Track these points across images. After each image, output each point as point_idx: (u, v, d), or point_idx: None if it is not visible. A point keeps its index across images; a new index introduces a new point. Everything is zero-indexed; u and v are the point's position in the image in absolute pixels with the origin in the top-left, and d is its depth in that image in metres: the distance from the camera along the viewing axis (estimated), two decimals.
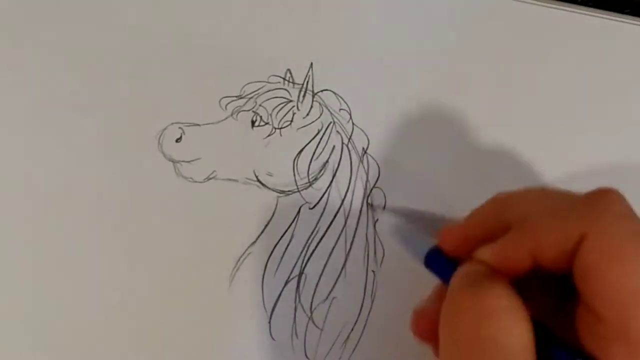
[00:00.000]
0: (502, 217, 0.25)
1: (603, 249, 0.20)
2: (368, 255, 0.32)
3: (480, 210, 0.26)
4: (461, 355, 0.21)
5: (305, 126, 0.33)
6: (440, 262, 0.27)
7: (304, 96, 0.34)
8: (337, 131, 0.34)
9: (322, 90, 0.34)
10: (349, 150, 0.33)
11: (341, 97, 0.34)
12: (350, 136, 0.33)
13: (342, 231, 0.32)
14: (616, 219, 0.21)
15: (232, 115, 0.33)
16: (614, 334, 0.20)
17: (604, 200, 0.22)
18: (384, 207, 0.32)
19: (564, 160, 0.33)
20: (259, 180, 0.33)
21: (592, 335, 0.21)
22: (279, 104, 0.34)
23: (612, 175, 0.33)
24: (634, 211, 0.22)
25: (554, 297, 0.25)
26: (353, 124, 0.34)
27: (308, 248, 0.32)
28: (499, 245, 0.24)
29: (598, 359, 0.20)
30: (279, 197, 0.33)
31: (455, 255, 0.26)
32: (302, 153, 0.33)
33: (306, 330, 0.31)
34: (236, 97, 0.34)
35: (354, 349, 0.31)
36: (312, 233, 0.32)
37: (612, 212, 0.21)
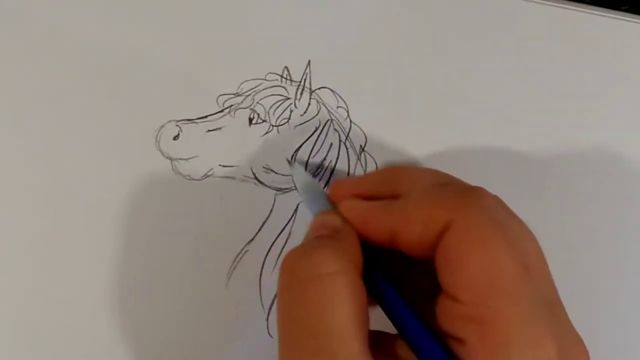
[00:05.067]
0: (390, 187, 0.26)
1: (466, 236, 0.21)
2: None
3: (373, 174, 0.28)
4: (287, 320, 0.22)
5: (302, 124, 0.33)
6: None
7: (301, 94, 0.34)
8: (335, 129, 0.34)
9: (319, 88, 0.34)
10: (346, 148, 0.33)
11: (339, 95, 0.34)
12: (348, 133, 0.34)
13: None
14: (482, 211, 0.22)
15: (229, 112, 0.33)
16: (469, 315, 0.20)
17: (475, 193, 0.23)
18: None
19: (562, 158, 0.33)
20: (256, 178, 0.33)
21: (449, 316, 0.21)
22: (276, 102, 0.33)
23: (611, 174, 0.33)
24: (504, 207, 0.23)
25: (427, 280, 0.25)
26: (350, 121, 0.34)
27: None
28: (365, 208, 0.25)
29: (452, 335, 0.21)
30: (276, 194, 0.33)
31: None
32: (300, 150, 0.33)
33: None
34: (233, 94, 0.34)
35: None
36: None
37: (481, 204, 0.22)
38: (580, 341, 0.22)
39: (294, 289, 0.22)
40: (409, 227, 0.23)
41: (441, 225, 0.22)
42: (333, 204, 0.28)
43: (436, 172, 0.26)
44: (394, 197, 0.25)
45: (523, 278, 0.20)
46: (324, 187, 0.33)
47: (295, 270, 0.22)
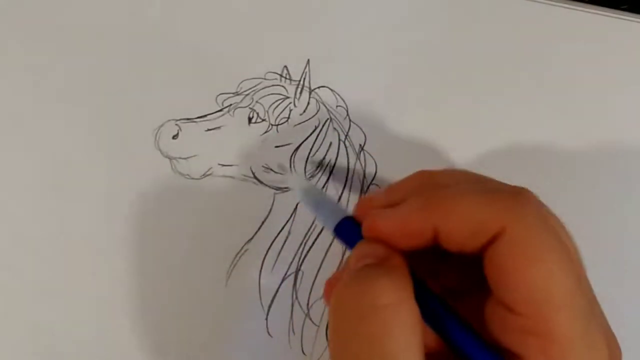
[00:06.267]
0: (424, 191, 0.24)
1: (523, 246, 0.20)
2: None
3: (401, 183, 0.26)
4: (345, 354, 0.21)
5: (302, 123, 0.33)
6: (352, 232, 0.25)
7: (300, 93, 0.34)
8: (334, 128, 0.33)
9: (319, 87, 0.34)
10: (345, 147, 0.33)
11: (338, 94, 0.34)
12: (347, 133, 0.33)
13: None
14: (535, 217, 0.21)
15: (228, 111, 0.33)
16: (527, 329, 0.20)
17: (524, 195, 0.22)
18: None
19: (562, 157, 0.33)
20: (255, 177, 0.33)
21: (503, 328, 0.21)
22: (275, 101, 0.33)
23: (611, 172, 0.33)
24: (548, 209, 0.22)
25: (458, 277, 0.25)
26: (350, 120, 0.34)
27: (305, 245, 0.32)
28: (400, 215, 0.23)
29: (508, 349, 0.21)
30: (275, 193, 0.33)
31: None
32: (299, 150, 0.33)
33: (303, 326, 0.31)
34: (233, 93, 0.34)
35: None
36: (309, 230, 0.32)
37: (532, 209, 0.21)
38: (612, 333, 0.22)
39: (351, 323, 0.21)
40: (455, 225, 0.21)
41: (494, 229, 0.21)
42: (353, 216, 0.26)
43: (468, 173, 0.25)
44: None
45: (578, 289, 0.20)
46: (323, 187, 0.33)
47: (351, 303, 0.21)
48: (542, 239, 0.20)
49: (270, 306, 0.31)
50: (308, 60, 0.34)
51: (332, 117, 0.34)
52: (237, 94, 0.34)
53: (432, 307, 0.22)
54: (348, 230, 0.25)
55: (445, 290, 0.25)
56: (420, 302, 0.21)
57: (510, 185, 0.23)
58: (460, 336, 0.22)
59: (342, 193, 0.33)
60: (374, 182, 0.33)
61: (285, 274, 0.32)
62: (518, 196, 0.22)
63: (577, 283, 0.20)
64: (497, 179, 0.25)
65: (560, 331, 0.20)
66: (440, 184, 0.24)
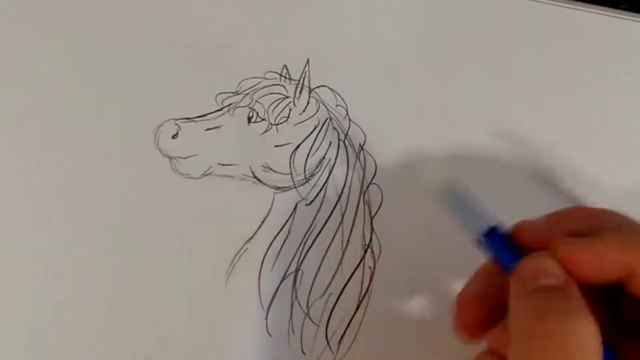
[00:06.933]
0: (584, 225, 0.23)
1: None
2: (365, 251, 0.32)
3: (562, 213, 0.25)
4: None
5: (301, 122, 0.33)
6: (500, 242, 0.24)
7: (300, 92, 0.34)
8: (334, 127, 0.33)
9: (318, 87, 0.34)
10: (345, 146, 0.33)
11: (338, 93, 0.34)
12: (347, 132, 0.33)
13: (338, 227, 0.32)
14: None
15: (228, 111, 0.33)
16: None
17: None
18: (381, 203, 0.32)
19: (565, 156, 0.33)
20: (255, 177, 0.33)
21: None
22: (275, 100, 0.33)
23: (609, 171, 0.33)
24: None
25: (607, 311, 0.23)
26: (350, 120, 0.34)
27: (305, 244, 0.32)
28: (598, 248, 0.21)
29: None
30: (275, 193, 0.33)
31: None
32: (299, 149, 0.33)
33: (303, 326, 0.31)
34: (233, 93, 0.34)
35: (350, 345, 0.31)
36: (308, 229, 0.32)
37: None
38: None
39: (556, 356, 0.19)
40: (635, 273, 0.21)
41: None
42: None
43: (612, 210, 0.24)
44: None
45: None
46: (323, 187, 0.33)
47: (556, 338, 0.19)
48: None
49: (269, 306, 0.31)
50: (308, 59, 0.34)
51: (332, 116, 0.34)
52: (236, 93, 0.34)
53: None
54: (496, 240, 0.24)
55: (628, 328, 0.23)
56: None
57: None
58: None
59: (341, 193, 0.33)
60: (373, 181, 0.33)
61: (285, 274, 0.32)
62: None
63: None
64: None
65: None
66: (602, 222, 0.23)
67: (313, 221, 0.32)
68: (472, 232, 0.25)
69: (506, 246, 0.24)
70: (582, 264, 0.21)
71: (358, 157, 0.33)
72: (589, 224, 0.23)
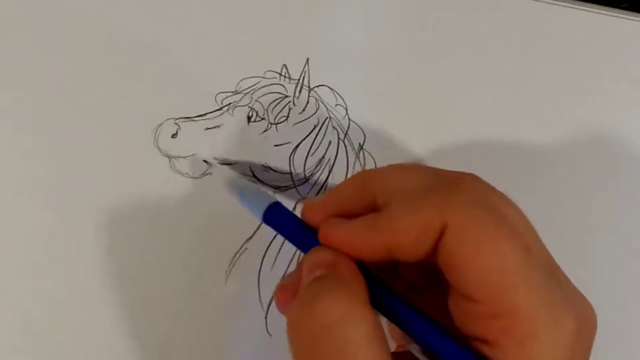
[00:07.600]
0: (367, 194, 0.24)
1: (465, 238, 0.20)
2: None
3: (342, 186, 0.25)
4: None
5: (301, 121, 0.33)
6: (282, 217, 0.25)
7: (300, 91, 0.34)
8: (334, 126, 0.33)
9: (318, 86, 0.34)
10: (345, 146, 0.33)
11: (337, 93, 0.34)
12: (347, 131, 0.33)
13: None
14: (473, 205, 0.21)
15: (228, 110, 0.33)
16: (489, 313, 0.20)
17: (458, 185, 0.22)
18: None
19: (561, 154, 0.33)
20: (255, 176, 0.33)
21: (467, 317, 0.21)
22: (275, 100, 0.33)
23: (609, 170, 0.33)
24: (491, 190, 0.22)
25: (419, 273, 0.25)
26: (349, 119, 0.34)
27: None
28: (351, 230, 0.23)
29: (476, 337, 0.21)
30: (275, 192, 0.33)
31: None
32: (299, 148, 0.33)
33: None
34: (232, 92, 0.34)
35: None
36: None
37: (469, 197, 0.21)
38: (585, 300, 0.22)
39: (309, 346, 0.20)
40: (401, 240, 0.21)
41: (436, 230, 0.21)
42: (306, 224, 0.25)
43: (410, 170, 0.24)
44: (373, 208, 0.23)
45: (529, 262, 0.20)
46: (322, 186, 0.33)
47: (301, 327, 0.21)
48: (481, 222, 0.20)
49: (269, 305, 0.31)
50: (307, 59, 0.34)
51: (332, 115, 0.34)
52: (236, 92, 0.34)
53: (391, 305, 0.22)
54: (278, 217, 0.25)
55: (409, 286, 0.25)
56: (379, 302, 0.21)
57: (450, 174, 0.23)
58: (424, 330, 0.22)
59: None
60: None
61: (285, 273, 0.32)
62: (451, 187, 0.22)
63: (527, 255, 0.20)
64: (437, 168, 0.24)
65: (520, 309, 0.20)
66: (382, 190, 0.23)
67: None
68: (258, 215, 0.26)
69: (287, 219, 0.25)
70: (342, 246, 0.22)
71: (358, 157, 0.33)
72: (363, 196, 0.24)
